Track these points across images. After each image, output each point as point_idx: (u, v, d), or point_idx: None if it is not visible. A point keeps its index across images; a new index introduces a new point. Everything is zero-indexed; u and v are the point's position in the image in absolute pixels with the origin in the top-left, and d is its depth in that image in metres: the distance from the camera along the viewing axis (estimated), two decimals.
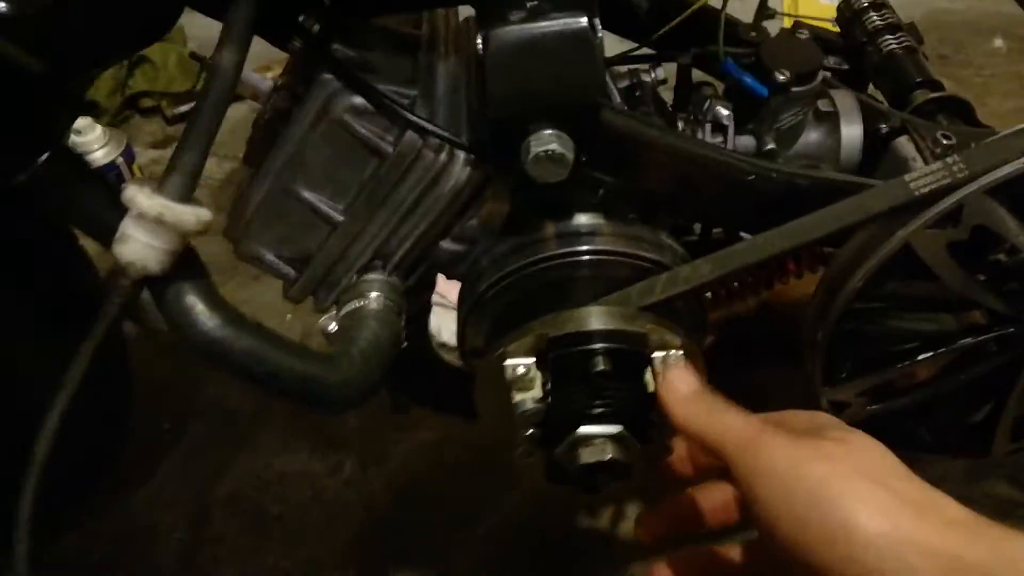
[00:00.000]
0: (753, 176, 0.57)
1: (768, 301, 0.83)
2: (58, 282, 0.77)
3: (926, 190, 0.54)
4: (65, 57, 0.47)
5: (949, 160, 0.54)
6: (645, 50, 0.71)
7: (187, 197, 0.47)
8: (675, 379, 0.51)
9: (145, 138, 1.66)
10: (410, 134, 0.54)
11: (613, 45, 0.76)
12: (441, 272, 0.69)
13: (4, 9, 0.43)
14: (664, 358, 0.57)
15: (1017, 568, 0.34)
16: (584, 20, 0.48)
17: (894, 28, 0.82)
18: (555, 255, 0.62)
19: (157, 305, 0.50)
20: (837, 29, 0.87)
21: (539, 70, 0.49)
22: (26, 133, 0.48)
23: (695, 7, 0.66)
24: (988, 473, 1.11)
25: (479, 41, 0.48)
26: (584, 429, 0.59)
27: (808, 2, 1.66)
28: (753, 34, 0.69)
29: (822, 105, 0.65)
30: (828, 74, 0.68)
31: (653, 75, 0.66)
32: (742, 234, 0.69)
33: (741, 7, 0.81)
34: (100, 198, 0.50)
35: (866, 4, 0.83)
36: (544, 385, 0.58)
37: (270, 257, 0.61)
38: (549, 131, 0.50)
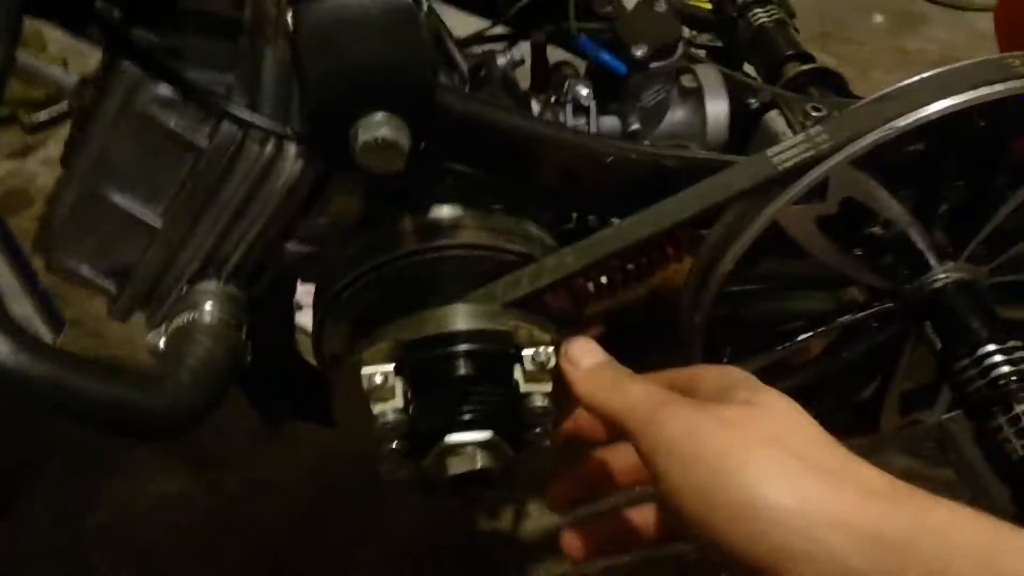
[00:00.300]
0: (611, 158, 0.53)
1: (657, 289, 0.80)
2: None
3: (789, 164, 0.51)
4: None
5: (812, 131, 0.52)
6: (501, 29, 0.67)
7: None
8: (577, 351, 0.47)
9: (2, 148, 1.54)
10: (227, 125, 0.48)
11: (472, 24, 0.72)
12: (294, 276, 0.64)
13: None
14: (534, 355, 0.53)
15: (940, 539, 0.31)
16: None
17: (764, 1, 0.80)
18: (413, 251, 0.57)
19: None
20: (709, 6, 0.85)
21: (360, 49, 0.43)
22: None
23: None
24: (885, 446, 1.12)
25: (289, 18, 0.43)
26: (451, 438, 0.55)
27: None
28: (609, 8, 0.65)
29: (685, 81, 0.62)
30: (691, 49, 0.65)
31: (509, 55, 0.61)
32: (614, 221, 0.65)
33: None
34: None
35: None
36: (405, 394, 0.54)
37: (86, 271, 0.54)
38: (379, 116, 0.45)
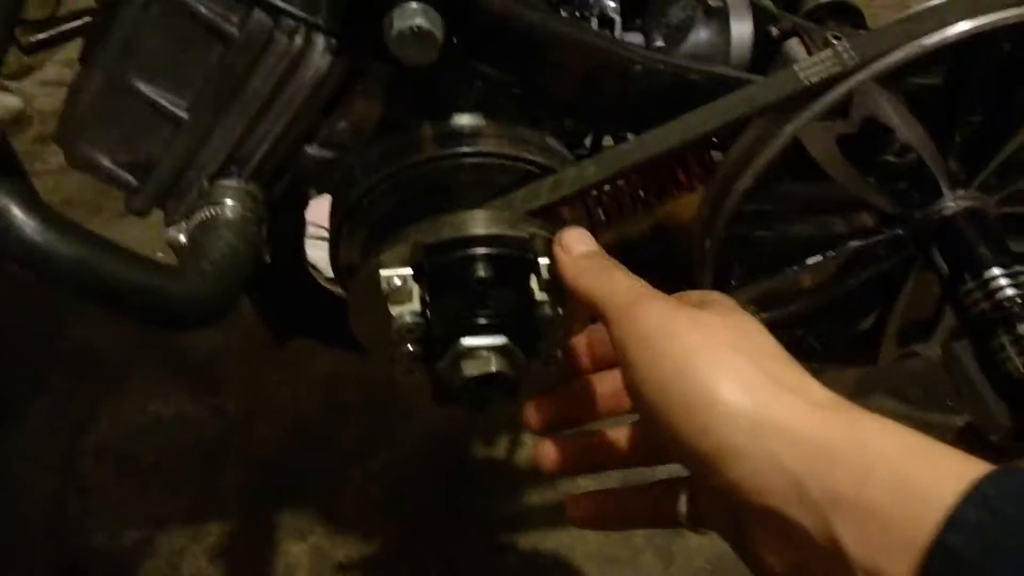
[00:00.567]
0: (639, 67, 0.53)
1: (661, 223, 0.81)
2: None
3: (816, 79, 0.52)
4: None
5: (840, 48, 0.52)
6: None
7: None
8: (570, 238, 0.49)
9: None
10: (258, 14, 0.48)
11: None
12: (309, 185, 0.64)
13: None
14: (550, 265, 0.54)
15: (867, 447, 0.33)
16: None
17: None
18: (433, 157, 0.57)
19: None
20: None
21: None
22: None
23: None
24: (873, 388, 1.14)
25: None
26: (467, 341, 0.55)
27: None
28: None
29: (711, 0, 0.62)
30: None
31: None
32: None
33: None
34: None
35: None
36: (422, 298, 0.54)
37: (107, 163, 0.54)
38: (414, 4, 0.45)
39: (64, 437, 1.03)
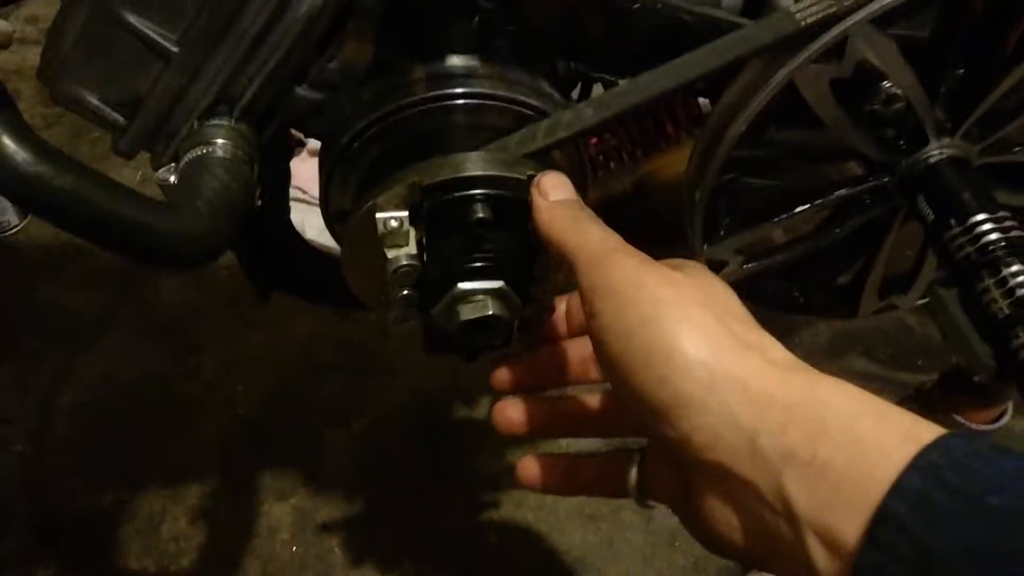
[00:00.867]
0: (638, 4, 0.53)
1: (644, 182, 0.81)
2: None
3: (812, 20, 0.52)
4: None
5: None
6: None
7: None
8: (548, 183, 0.49)
9: None
10: None
11: None
12: (299, 128, 0.63)
13: None
14: None
15: (821, 405, 0.34)
16: None
17: None
18: (427, 98, 0.57)
19: None
20: None
21: None
22: None
23: None
24: (848, 349, 1.17)
25: None
26: (463, 285, 0.55)
27: None
28: None
29: None
30: None
31: None
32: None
33: None
34: None
35: None
36: (419, 240, 0.54)
37: (93, 100, 0.53)
38: None
39: (36, 397, 1.01)
